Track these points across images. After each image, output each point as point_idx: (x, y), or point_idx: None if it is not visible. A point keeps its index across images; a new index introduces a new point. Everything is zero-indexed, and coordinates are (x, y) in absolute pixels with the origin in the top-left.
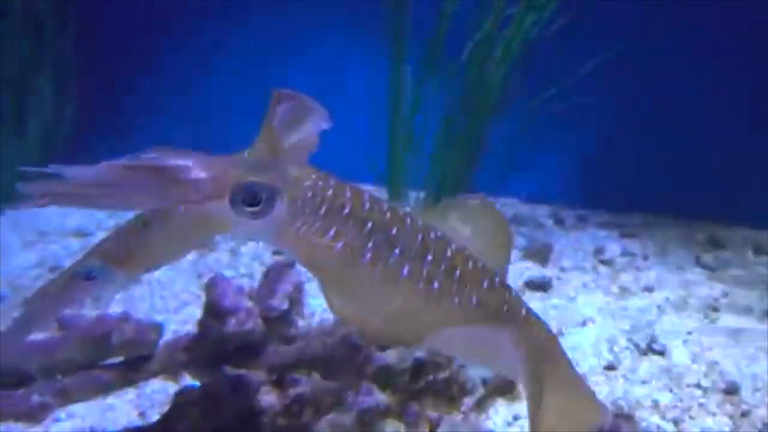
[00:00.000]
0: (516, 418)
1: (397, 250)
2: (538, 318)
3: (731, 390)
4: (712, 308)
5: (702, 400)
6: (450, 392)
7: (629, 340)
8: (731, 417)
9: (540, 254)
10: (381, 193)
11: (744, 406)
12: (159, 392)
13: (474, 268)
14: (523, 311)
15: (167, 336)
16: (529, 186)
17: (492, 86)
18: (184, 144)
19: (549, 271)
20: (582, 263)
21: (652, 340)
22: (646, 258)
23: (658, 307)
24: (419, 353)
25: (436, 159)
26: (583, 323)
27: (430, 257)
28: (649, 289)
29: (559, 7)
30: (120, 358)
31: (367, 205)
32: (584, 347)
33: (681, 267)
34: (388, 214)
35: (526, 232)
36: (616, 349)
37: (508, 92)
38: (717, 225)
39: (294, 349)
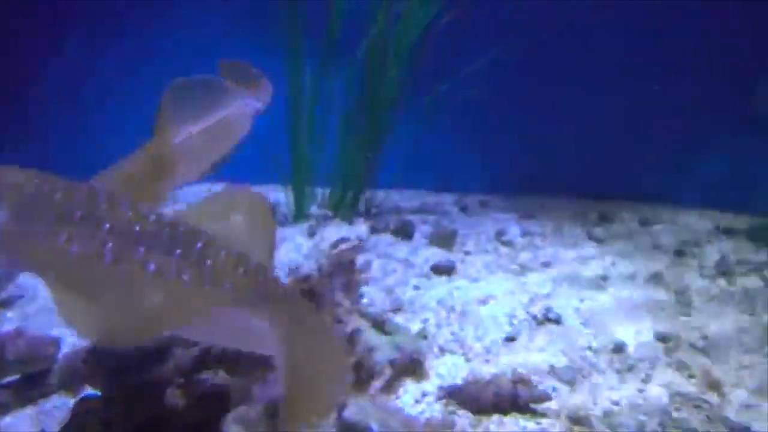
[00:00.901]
0: (424, 395)
1: (141, 248)
2: (297, 297)
3: (618, 349)
4: (602, 277)
5: (593, 360)
6: (359, 376)
7: (528, 312)
8: (619, 372)
9: (445, 240)
10: (287, 192)
11: (630, 362)
12: (60, 407)
13: (227, 257)
14: (281, 291)
15: (65, 349)
16: (434, 176)
17: (389, 81)
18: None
19: (454, 256)
20: (485, 246)
21: (548, 310)
22: (543, 237)
23: (554, 280)
24: None
25: (339, 155)
26: (485, 301)
27: (178, 251)
28: (546, 265)
29: (447, 1)
30: (16, 376)
31: (104, 206)
32: (486, 323)
33: (575, 243)
34: (130, 213)
35: (432, 220)
36: (515, 322)
37: (405, 87)
38: (607, 202)
39: (198, 350)
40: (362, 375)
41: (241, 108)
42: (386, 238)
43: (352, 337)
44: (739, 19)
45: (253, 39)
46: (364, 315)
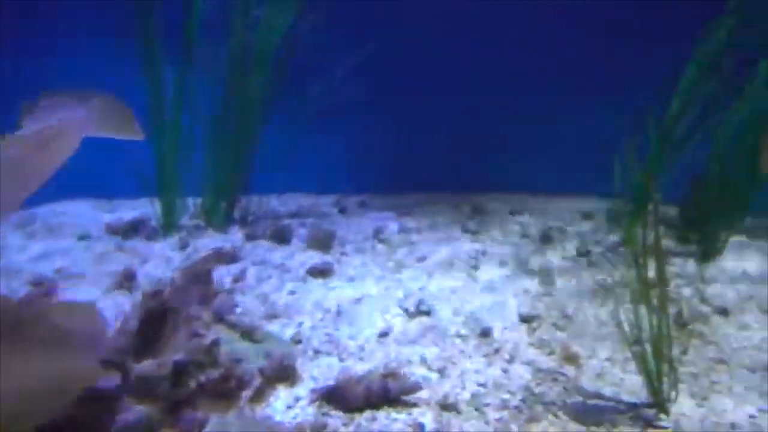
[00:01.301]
0: (297, 399)
1: None
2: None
3: (485, 333)
4: (473, 267)
5: (462, 347)
6: (227, 388)
7: (400, 306)
8: (486, 355)
9: (323, 242)
10: (155, 205)
11: (496, 345)
12: None
13: None
14: None
15: None
16: (313, 179)
17: (253, 86)
18: None
19: (331, 257)
20: (362, 245)
21: (420, 303)
22: (420, 232)
23: (429, 273)
24: (178, 356)
25: (209, 164)
26: (361, 300)
27: None
28: (421, 259)
29: (308, 7)
30: None
31: None
32: (361, 321)
33: (449, 236)
34: None
35: (310, 224)
36: (388, 317)
37: (273, 91)
38: (480, 195)
39: None
40: (230, 386)
41: (70, 123)
42: (263, 244)
43: (212, 350)
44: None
45: (110, 46)
46: (232, 326)
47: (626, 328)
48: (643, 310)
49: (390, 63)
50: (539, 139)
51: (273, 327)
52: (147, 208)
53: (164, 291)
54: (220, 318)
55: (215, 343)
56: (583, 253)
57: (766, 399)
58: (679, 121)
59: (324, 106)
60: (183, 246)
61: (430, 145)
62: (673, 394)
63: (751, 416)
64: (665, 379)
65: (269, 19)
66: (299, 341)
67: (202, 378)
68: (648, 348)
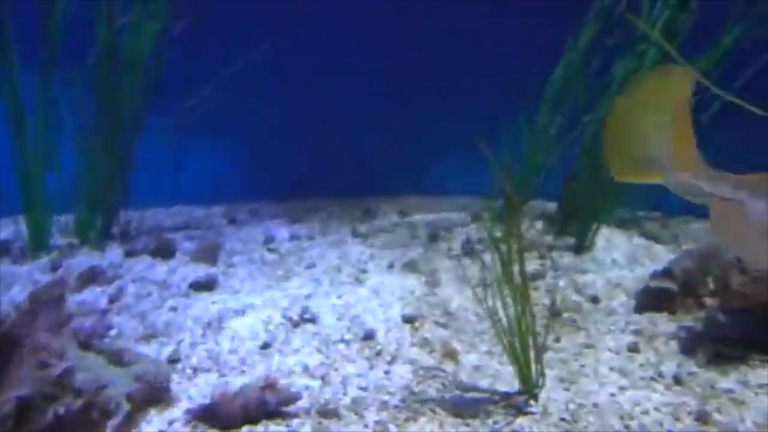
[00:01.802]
0: (172, 422)
1: None
2: None
3: (369, 336)
4: (361, 270)
5: (345, 352)
6: (89, 418)
7: (284, 316)
8: (368, 359)
9: (208, 255)
10: (20, 224)
11: (378, 347)
12: None
13: None
14: None
15: None
16: (202, 190)
17: (124, 94)
18: None
19: (216, 270)
20: (251, 255)
21: (305, 311)
22: (311, 239)
23: (316, 280)
24: (21, 391)
25: (80, 177)
26: (244, 312)
27: None
28: (310, 266)
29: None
30: None
31: None
32: (242, 334)
33: (340, 240)
34: None
35: (197, 236)
36: (271, 327)
37: (146, 99)
38: (372, 198)
39: None
40: (93, 417)
41: None
42: (144, 260)
43: (63, 380)
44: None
45: None
46: (101, 350)
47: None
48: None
49: (277, 66)
50: (428, 141)
51: (151, 347)
52: (12, 228)
53: (6, 319)
54: (87, 343)
55: (67, 372)
56: (468, 251)
57: (628, 378)
58: (552, 119)
59: (209, 112)
60: (54, 267)
61: (322, 150)
62: (541, 381)
63: (612, 395)
64: (533, 368)
65: (137, 22)
66: (177, 360)
67: (60, 410)
68: (517, 339)
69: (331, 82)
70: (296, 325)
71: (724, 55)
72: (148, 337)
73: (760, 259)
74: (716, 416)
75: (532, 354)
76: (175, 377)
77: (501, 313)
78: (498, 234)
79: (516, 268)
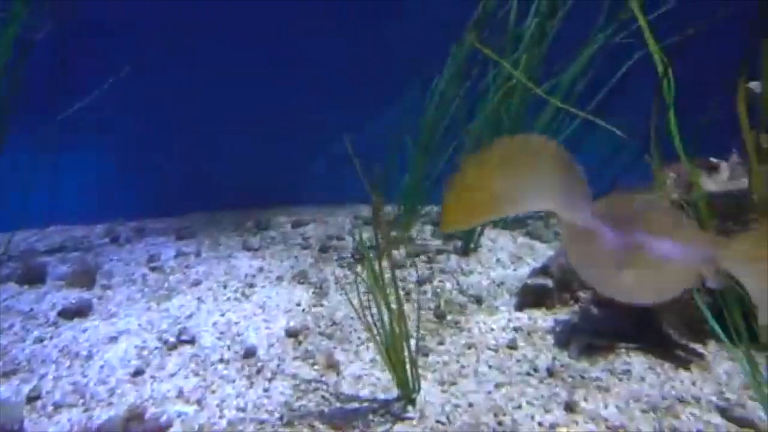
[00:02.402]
0: None
1: None
2: None
3: (250, 354)
4: (249, 285)
5: (224, 372)
6: None
7: (160, 339)
8: (249, 377)
9: (84, 278)
10: None
11: (259, 364)
12: None
13: None
14: None
15: None
16: (83, 208)
17: None
18: None
19: (91, 294)
20: (132, 276)
21: (182, 332)
22: (198, 255)
23: (199, 298)
24: None
25: None
26: (116, 338)
27: None
28: (196, 284)
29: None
30: None
31: None
32: (112, 362)
33: (230, 255)
34: None
35: (73, 258)
36: (145, 353)
37: (5, 111)
38: (265, 210)
39: None
40: None
41: None
42: (9, 288)
43: None
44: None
45: None
46: None
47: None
48: (403, 308)
49: (161, 74)
50: (321, 151)
51: (11, 384)
52: None
53: None
54: None
55: None
56: (358, 259)
57: (506, 374)
58: (436, 127)
59: (89, 123)
60: None
61: (212, 161)
62: (419, 385)
63: (488, 392)
64: (411, 373)
65: None
66: (37, 397)
67: None
68: (392, 345)
69: (217, 90)
70: (173, 347)
71: (592, 61)
72: (8, 373)
73: (607, 287)
74: (583, 404)
75: (408, 359)
76: (33, 416)
77: (377, 319)
78: (368, 242)
79: (398, 273)
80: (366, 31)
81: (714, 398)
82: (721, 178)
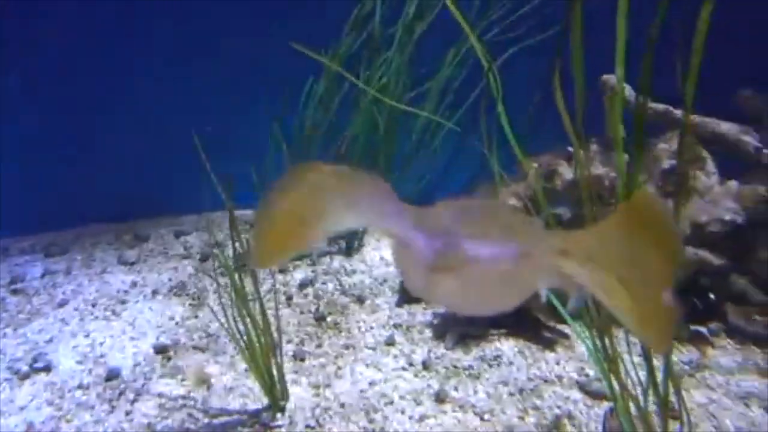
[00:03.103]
0: None
1: None
2: None
3: (112, 376)
4: (120, 302)
5: (83, 399)
6: None
7: (12, 368)
8: (110, 401)
9: None
10: None
11: (122, 386)
12: None
13: None
14: None
15: None
16: None
17: None
18: None
19: None
20: None
21: (38, 359)
22: (68, 272)
23: (63, 320)
24: None
25: None
26: None
27: None
28: (62, 304)
29: None
30: None
31: None
32: None
33: (104, 270)
34: None
35: None
36: None
37: None
38: (145, 221)
39: None
40: None
41: None
42: None
43: None
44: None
45: None
46: None
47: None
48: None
49: (26, 82)
50: (200, 158)
51: None
52: None
53: None
54: None
55: None
56: (239, 266)
57: (382, 371)
58: (315, 130)
59: None
60: None
61: (88, 172)
62: (287, 392)
63: (362, 391)
64: (277, 381)
65: None
66: None
67: None
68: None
69: (91, 97)
70: (25, 377)
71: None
72: None
73: (434, 298)
74: (453, 393)
75: (276, 367)
76: None
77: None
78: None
79: (281, 278)
80: (247, 38)
81: (575, 375)
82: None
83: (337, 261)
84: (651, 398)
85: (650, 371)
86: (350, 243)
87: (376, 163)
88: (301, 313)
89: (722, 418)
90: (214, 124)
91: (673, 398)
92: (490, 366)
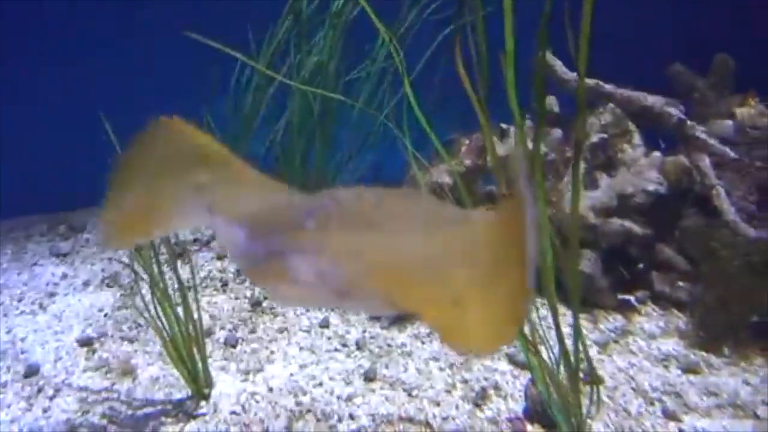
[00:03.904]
0: None
1: None
2: None
3: (32, 372)
4: (49, 294)
5: (1, 396)
6: None
7: None
8: (28, 398)
9: None
10: None
11: (41, 382)
12: None
13: None
14: None
15: None
16: None
17: None
18: None
19: None
20: None
21: None
22: None
23: None
24: None
25: None
26: None
27: None
28: None
29: None
30: None
31: None
32: None
33: (35, 263)
34: None
35: None
36: None
37: None
38: (82, 212)
39: None
40: None
41: None
42: None
43: None
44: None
45: None
46: None
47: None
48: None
49: None
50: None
51: None
52: None
53: None
54: None
55: None
56: (179, 253)
57: (315, 354)
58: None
59: None
60: None
61: (23, 163)
62: (210, 380)
63: (291, 375)
64: (201, 369)
65: None
66: None
67: None
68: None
69: (22, 86)
70: None
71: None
72: None
73: (273, 295)
74: (383, 371)
75: (199, 356)
76: None
77: (163, 317)
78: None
79: (218, 264)
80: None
81: (505, 347)
82: (510, 143)
83: None
84: (563, 368)
85: (560, 340)
86: None
87: (313, 146)
88: (236, 299)
89: (640, 380)
90: (147, 112)
91: (595, 365)
92: (423, 343)
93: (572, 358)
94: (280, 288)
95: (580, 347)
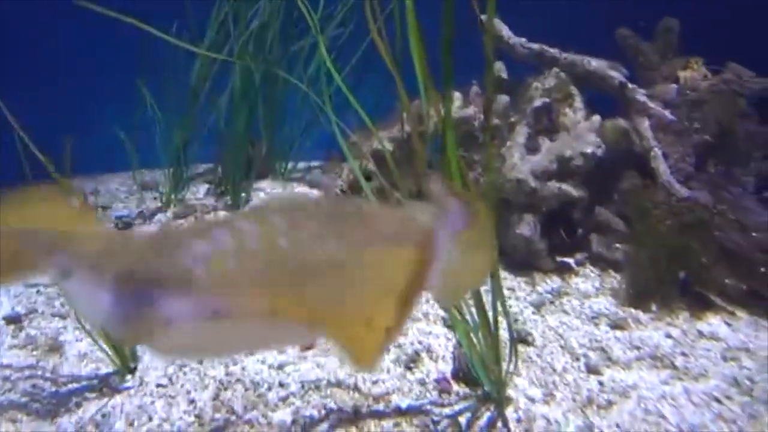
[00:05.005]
0: None
1: None
2: None
3: None
4: None
5: None
6: None
7: None
8: None
9: None
10: None
11: None
12: None
13: None
14: None
15: None
16: None
17: None
18: None
19: None
20: None
21: None
22: None
23: None
24: None
25: None
26: None
27: None
28: None
29: None
30: None
31: None
32: None
33: None
34: None
35: None
36: None
37: None
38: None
39: None
40: None
41: None
42: None
43: None
44: None
45: None
46: None
47: None
48: None
49: None
50: (89, 122)
51: None
52: None
53: None
54: None
55: None
56: (128, 224)
57: None
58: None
59: None
60: None
61: None
62: (135, 354)
63: None
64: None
65: None
66: None
67: None
68: None
69: None
70: None
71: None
72: None
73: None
74: (319, 340)
75: None
76: None
77: None
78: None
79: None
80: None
81: (441, 311)
82: (454, 107)
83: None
84: (485, 328)
85: (479, 306)
86: (235, 198)
87: (255, 118)
88: None
89: (569, 338)
90: (83, 87)
91: (528, 326)
92: None
93: (491, 318)
94: (163, 339)
95: (500, 308)
